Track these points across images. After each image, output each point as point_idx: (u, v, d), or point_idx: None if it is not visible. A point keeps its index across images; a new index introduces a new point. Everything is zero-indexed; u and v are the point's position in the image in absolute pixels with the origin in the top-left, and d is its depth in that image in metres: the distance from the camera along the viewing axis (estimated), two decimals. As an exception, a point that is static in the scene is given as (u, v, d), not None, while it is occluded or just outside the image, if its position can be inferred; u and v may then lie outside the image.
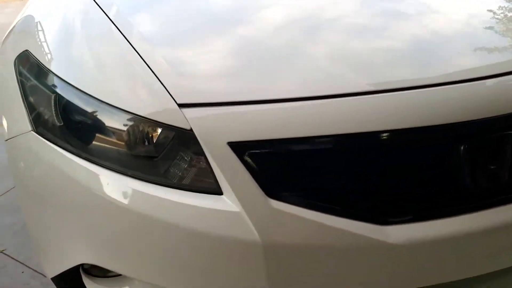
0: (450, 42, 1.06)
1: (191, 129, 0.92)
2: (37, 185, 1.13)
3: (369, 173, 0.91)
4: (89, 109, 1.03)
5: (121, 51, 1.07)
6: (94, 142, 1.03)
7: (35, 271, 1.69)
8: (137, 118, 0.97)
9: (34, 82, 1.18)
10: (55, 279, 1.22)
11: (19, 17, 1.57)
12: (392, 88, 0.90)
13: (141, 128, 0.98)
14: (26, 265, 1.70)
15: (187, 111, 0.93)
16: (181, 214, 0.93)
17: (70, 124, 1.07)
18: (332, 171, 0.91)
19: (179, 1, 1.33)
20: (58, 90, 1.09)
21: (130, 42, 1.08)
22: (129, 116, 0.98)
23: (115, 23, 1.15)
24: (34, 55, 1.21)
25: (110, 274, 1.16)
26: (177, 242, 0.95)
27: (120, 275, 1.13)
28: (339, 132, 0.88)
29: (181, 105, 0.94)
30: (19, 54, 1.27)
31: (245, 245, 0.90)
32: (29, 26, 1.40)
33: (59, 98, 1.09)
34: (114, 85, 1.03)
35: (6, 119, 1.30)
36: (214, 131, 0.91)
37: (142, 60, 1.03)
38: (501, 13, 1.23)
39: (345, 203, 0.91)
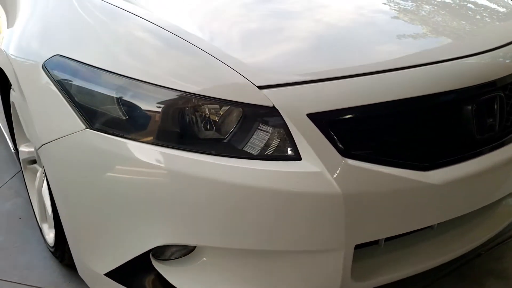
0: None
1: (273, 106, 1.08)
2: (103, 179, 1.17)
3: (415, 131, 1.17)
4: (163, 100, 1.13)
5: (184, 45, 1.19)
6: (172, 129, 1.13)
7: None
8: (220, 102, 1.10)
9: (82, 82, 1.22)
10: (113, 273, 1.25)
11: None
12: (430, 61, 1.17)
13: (222, 111, 1.11)
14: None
15: (267, 91, 1.09)
16: (267, 180, 1.08)
17: (141, 116, 1.15)
18: (390, 131, 1.15)
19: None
20: (119, 87, 1.16)
21: (189, 39, 1.20)
22: (211, 101, 1.11)
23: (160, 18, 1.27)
24: (72, 57, 1.26)
25: (172, 257, 1.24)
26: (263, 204, 1.09)
27: (189, 253, 1.22)
28: (393, 98, 1.12)
29: (260, 87, 1.09)
30: (48, 60, 1.30)
31: (328, 197, 1.08)
32: (43, 32, 1.42)
33: (121, 93, 1.16)
34: (186, 74, 1.14)
35: (37, 125, 1.30)
36: (294, 106, 1.09)
37: (203, 51, 1.17)
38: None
39: (400, 156, 1.14)
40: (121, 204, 1.17)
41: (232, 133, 1.12)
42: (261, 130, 1.11)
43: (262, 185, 1.08)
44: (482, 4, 1.64)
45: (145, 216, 1.15)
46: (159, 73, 1.16)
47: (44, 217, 1.73)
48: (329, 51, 1.21)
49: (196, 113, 1.13)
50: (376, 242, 1.29)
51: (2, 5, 1.86)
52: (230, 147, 1.12)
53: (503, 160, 1.27)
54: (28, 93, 1.33)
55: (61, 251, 1.54)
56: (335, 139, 1.09)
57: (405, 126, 1.16)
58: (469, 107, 1.21)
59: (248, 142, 1.12)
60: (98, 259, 1.28)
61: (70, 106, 1.22)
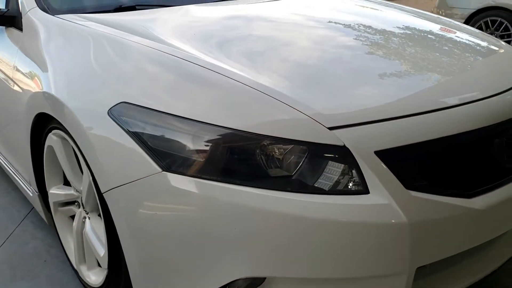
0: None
1: (344, 145, 1.20)
2: (181, 217, 1.24)
3: (461, 162, 1.32)
4: (235, 142, 1.23)
5: (247, 91, 1.31)
6: (247, 169, 1.23)
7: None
8: (293, 143, 1.21)
9: (154, 128, 1.29)
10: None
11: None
12: (471, 100, 1.34)
13: (295, 151, 1.22)
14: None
15: (337, 131, 1.21)
16: (339, 213, 1.19)
17: (216, 158, 1.24)
18: (442, 164, 1.29)
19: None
20: (193, 131, 1.25)
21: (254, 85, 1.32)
22: (282, 142, 1.22)
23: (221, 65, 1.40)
24: (140, 104, 1.33)
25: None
26: (336, 235, 1.20)
27: (258, 285, 1.30)
28: (444, 135, 1.27)
29: (331, 128, 1.22)
30: (114, 107, 1.36)
31: (396, 227, 1.21)
32: (97, 77, 1.50)
33: (196, 137, 1.25)
34: (254, 118, 1.25)
35: (105, 169, 1.35)
36: (362, 144, 1.21)
37: (265, 94, 1.29)
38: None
39: (450, 185, 1.29)
40: (199, 240, 1.24)
41: (301, 171, 1.23)
42: (332, 167, 1.23)
43: (335, 218, 1.19)
44: (486, 46, 1.85)
45: (222, 251, 1.23)
46: (228, 117, 1.26)
47: (83, 259, 1.75)
48: (385, 89, 1.37)
49: (266, 153, 1.23)
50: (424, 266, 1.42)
51: (26, 55, 1.90)
52: (301, 184, 1.22)
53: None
54: (94, 139, 1.38)
55: (112, 290, 1.57)
56: (399, 173, 1.22)
57: (453, 159, 1.31)
58: (500, 141, 1.39)
59: (319, 178, 1.23)
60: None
61: (144, 150, 1.29)
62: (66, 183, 1.84)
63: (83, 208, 1.69)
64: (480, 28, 5.85)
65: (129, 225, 1.34)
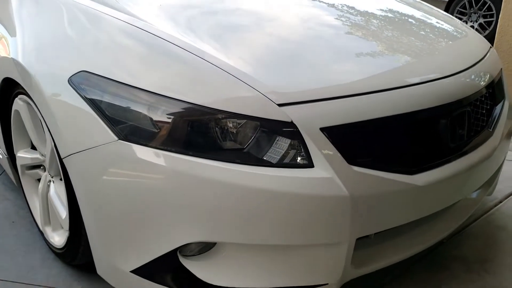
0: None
1: (291, 121, 1.26)
2: (134, 184, 1.30)
3: (404, 141, 1.39)
4: (190, 115, 1.28)
5: (206, 65, 1.36)
6: (199, 141, 1.29)
7: None
8: (244, 118, 1.27)
9: (112, 98, 1.34)
10: (139, 269, 1.38)
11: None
12: (417, 82, 1.41)
13: (247, 125, 1.28)
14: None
15: (286, 108, 1.27)
16: (285, 185, 1.26)
17: (171, 129, 1.29)
18: (385, 141, 1.36)
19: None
20: (150, 102, 1.30)
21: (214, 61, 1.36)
22: (234, 117, 1.27)
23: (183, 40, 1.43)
24: (99, 73, 1.37)
25: (191, 253, 1.39)
26: (281, 206, 1.27)
27: (209, 249, 1.37)
28: (388, 114, 1.34)
29: (280, 105, 1.27)
30: (74, 75, 1.40)
31: (337, 199, 1.28)
32: (60, 45, 1.53)
33: (152, 108, 1.30)
34: (210, 92, 1.31)
35: (65, 136, 1.40)
36: (309, 121, 1.28)
37: (224, 71, 1.34)
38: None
39: (392, 162, 1.36)
40: (152, 207, 1.31)
41: (252, 144, 1.29)
42: (280, 141, 1.29)
43: (281, 189, 1.26)
44: (443, 30, 1.90)
45: (174, 217, 1.30)
46: (185, 90, 1.31)
47: (47, 221, 1.81)
48: (345, 69, 1.43)
49: (220, 126, 1.29)
50: (367, 236, 1.51)
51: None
52: (251, 156, 1.29)
53: (469, 164, 1.52)
54: (54, 105, 1.42)
55: (73, 252, 1.64)
56: (343, 149, 1.29)
57: (397, 137, 1.38)
58: (445, 121, 1.45)
59: (267, 152, 1.29)
60: (125, 258, 1.40)
61: (101, 119, 1.34)
62: (34, 146, 1.89)
63: (48, 172, 1.74)
64: (463, 7, 5.88)
65: (86, 189, 1.40)
